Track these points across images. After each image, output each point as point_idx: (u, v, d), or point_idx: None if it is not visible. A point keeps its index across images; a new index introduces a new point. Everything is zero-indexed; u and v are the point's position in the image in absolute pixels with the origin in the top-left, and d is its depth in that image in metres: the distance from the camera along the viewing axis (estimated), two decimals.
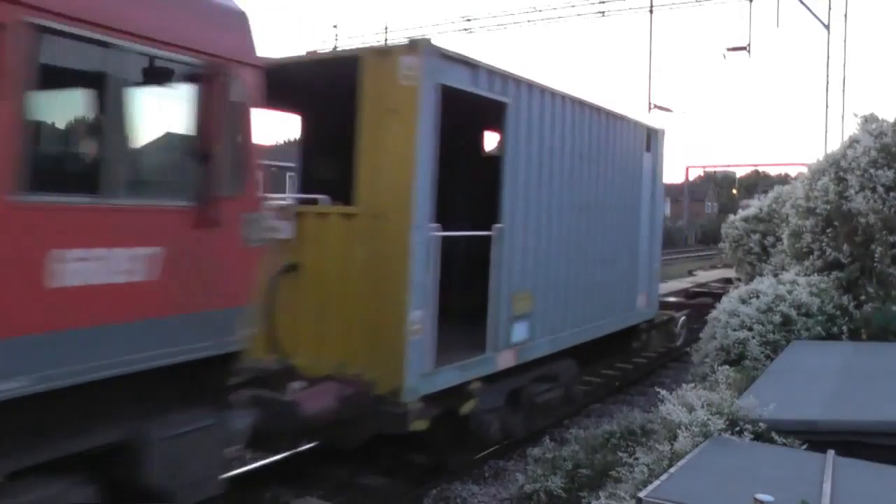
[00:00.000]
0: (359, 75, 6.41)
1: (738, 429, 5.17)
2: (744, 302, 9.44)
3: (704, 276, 23.15)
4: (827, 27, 26.76)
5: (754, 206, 15.03)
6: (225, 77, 4.39)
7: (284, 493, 6.99)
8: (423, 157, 6.31)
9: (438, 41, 6.74)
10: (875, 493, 4.27)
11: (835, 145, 16.79)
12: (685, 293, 17.82)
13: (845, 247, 10.08)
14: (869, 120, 10.67)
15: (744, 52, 26.94)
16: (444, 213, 6.94)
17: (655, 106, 28.65)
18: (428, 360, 6.52)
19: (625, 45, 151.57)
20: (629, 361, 12.73)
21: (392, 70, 6.30)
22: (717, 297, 11.77)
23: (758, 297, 9.42)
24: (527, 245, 7.92)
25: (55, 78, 3.78)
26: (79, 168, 4.15)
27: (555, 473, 7.60)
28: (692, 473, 4.33)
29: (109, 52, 3.83)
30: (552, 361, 8.73)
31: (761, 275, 11.84)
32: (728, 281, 17.50)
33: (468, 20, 32.34)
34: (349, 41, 35.12)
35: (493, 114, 7.65)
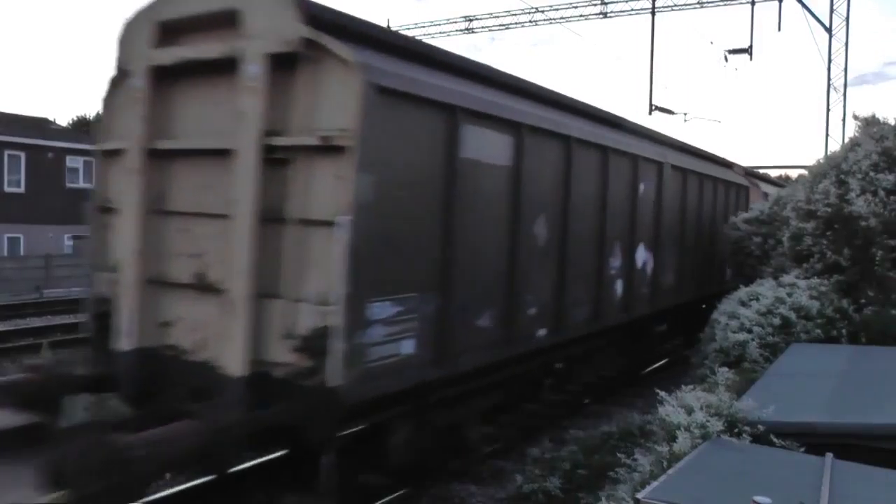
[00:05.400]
0: None
1: (736, 431, 5.17)
2: (743, 304, 9.45)
3: None
4: (829, 30, 26.77)
5: (756, 208, 14.99)
6: None
7: (279, 493, 6.98)
8: None
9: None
10: (873, 496, 4.27)
11: (835, 147, 16.79)
12: None
13: (845, 250, 10.07)
14: (870, 123, 10.68)
15: (745, 54, 26.93)
16: None
17: (656, 108, 28.56)
18: None
19: (626, 47, 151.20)
20: None
21: None
22: None
23: (757, 299, 9.42)
24: None
25: None
26: None
27: (553, 474, 7.62)
28: (691, 475, 4.33)
29: None
30: None
31: (761, 277, 11.84)
32: None
33: (469, 20, 32.27)
34: None
35: None
